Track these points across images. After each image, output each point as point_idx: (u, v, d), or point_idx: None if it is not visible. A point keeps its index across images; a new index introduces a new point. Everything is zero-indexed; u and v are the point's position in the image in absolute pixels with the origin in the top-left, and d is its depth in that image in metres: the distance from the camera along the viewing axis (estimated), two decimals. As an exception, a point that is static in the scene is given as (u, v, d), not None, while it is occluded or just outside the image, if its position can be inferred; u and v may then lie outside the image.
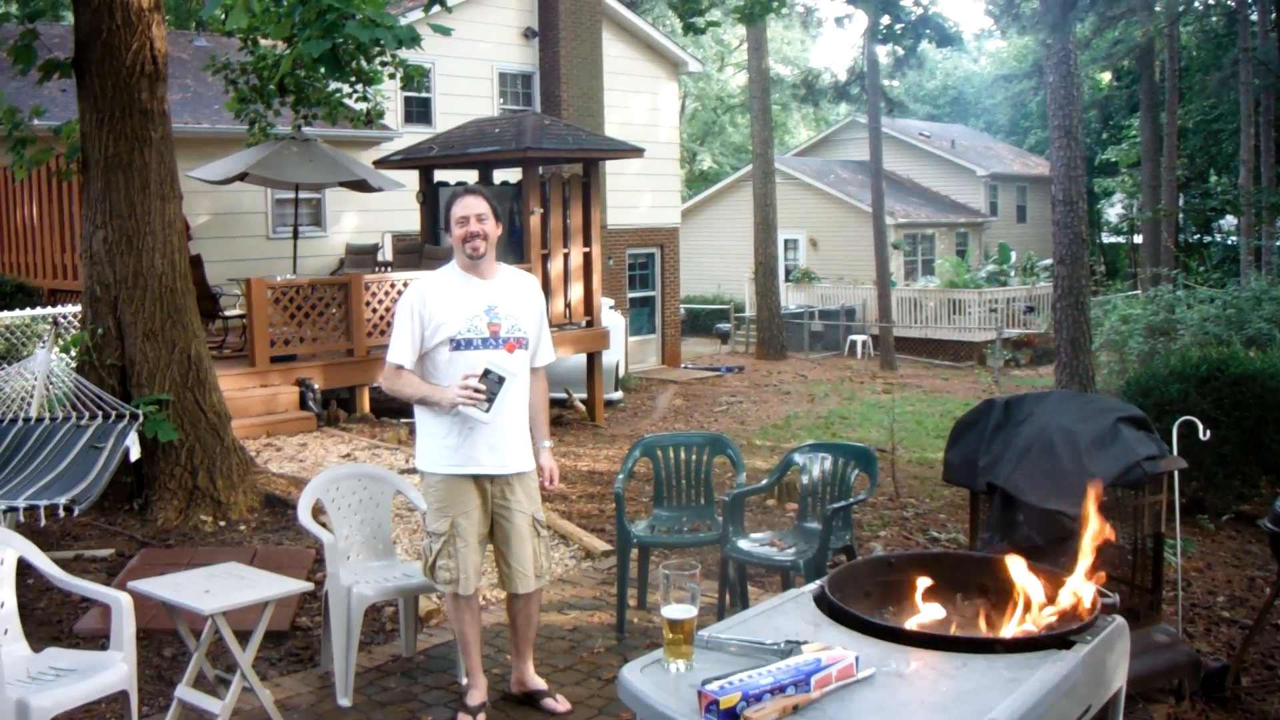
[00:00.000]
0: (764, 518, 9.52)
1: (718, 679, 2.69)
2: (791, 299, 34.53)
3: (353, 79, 11.84)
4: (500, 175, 18.52)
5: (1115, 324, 17.13)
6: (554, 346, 5.71)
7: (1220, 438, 8.90)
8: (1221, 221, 39.39)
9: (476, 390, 4.99)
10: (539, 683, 5.54)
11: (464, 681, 5.78)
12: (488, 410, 5.03)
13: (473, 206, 5.24)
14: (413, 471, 10.62)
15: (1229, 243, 37.94)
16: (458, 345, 5.18)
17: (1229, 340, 13.83)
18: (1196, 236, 39.91)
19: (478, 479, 5.24)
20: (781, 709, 2.62)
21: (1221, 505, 9.60)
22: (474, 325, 5.19)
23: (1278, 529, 5.45)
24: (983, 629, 3.39)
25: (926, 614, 3.46)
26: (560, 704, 5.42)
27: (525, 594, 5.40)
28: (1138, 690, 5.17)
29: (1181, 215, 34.80)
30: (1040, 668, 2.86)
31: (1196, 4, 32.65)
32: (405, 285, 14.65)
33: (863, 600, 3.39)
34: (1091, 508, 3.60)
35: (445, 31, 8.55)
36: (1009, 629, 3.30)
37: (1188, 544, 8.42)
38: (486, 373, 5.01)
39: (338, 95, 12.22)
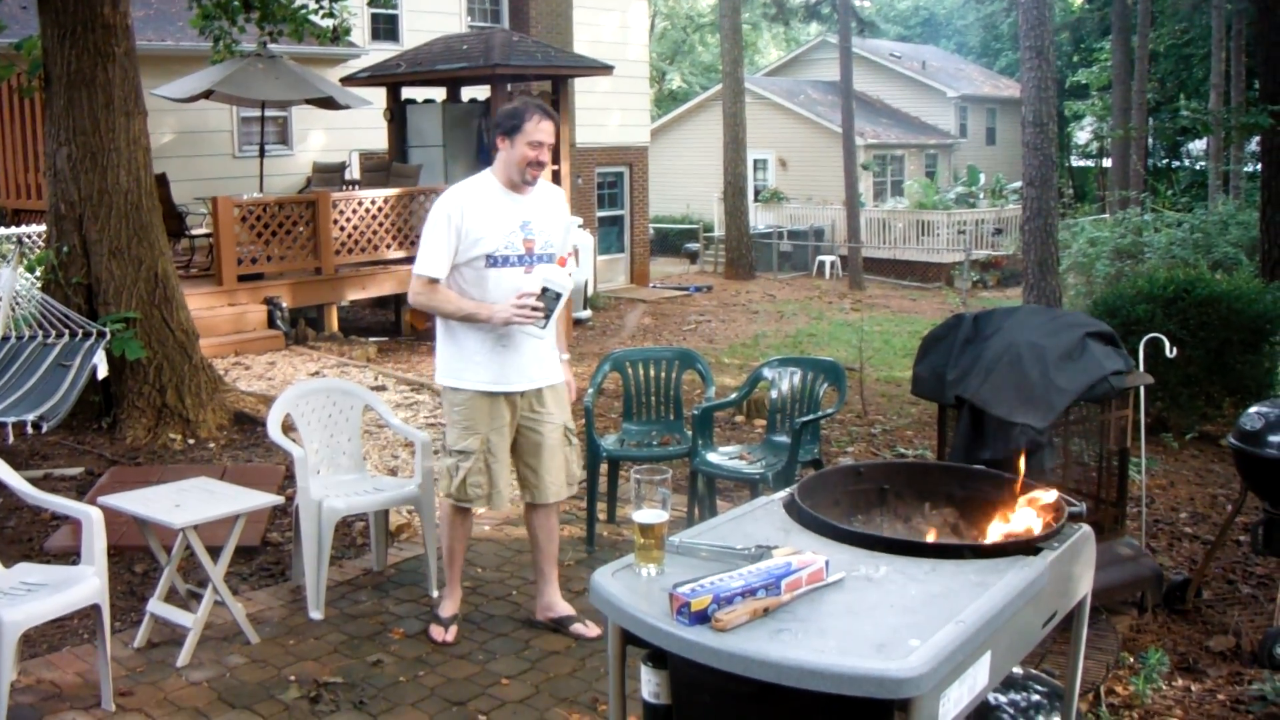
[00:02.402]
0: (733, 433, 9.57)
1: (689, 582, 2.70)
2: (760, 219, 34.45)
3: (318, -7, 11.72)
4: (468, 92, 18.38)
5: (1083, 246, 17.20)
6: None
7: (1185, 358, 8.97)
8: (1190, 146, 39.45)
9: (534, 308, 4.85)
10: (566, 608, 5.47)
11: (435, 594, 5.81)
12: (544, 327, 4.92)
13: (548, 133, 4.98)
14: (381, 389, 10.63)
15: (1197, 167, 38.04)
16: (494, 262, 4.99)
17: (1196, 263, 13.91)
18: (1165, 161, 39.99)
19: (508, 396, 5.13)
20: (752, 611, 2.64)
21: (1185, 425, 9.70)
22: (510, 241, 5.00)
23: (1242, 444, 5.51)
24: (952, 536, 3.42)
25: (895, 520, 3.49)
26: (590, 629, 5.34)
27: (547, 506, 5.34)
28: (1101, 602, 5.24)
29: (1151, 139, 34.80)
30: (1008, 572, 2.89)
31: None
32: (373, 203, 14.59)
33: (832, 508, 3.41)
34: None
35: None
36: (977, 535, 3.33)
37: (1152, 462, 8.50)
38: (544, 290, 4.86)
39: (303, 11, 12.07)
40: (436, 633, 5.28)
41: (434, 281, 5.03)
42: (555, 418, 5.25)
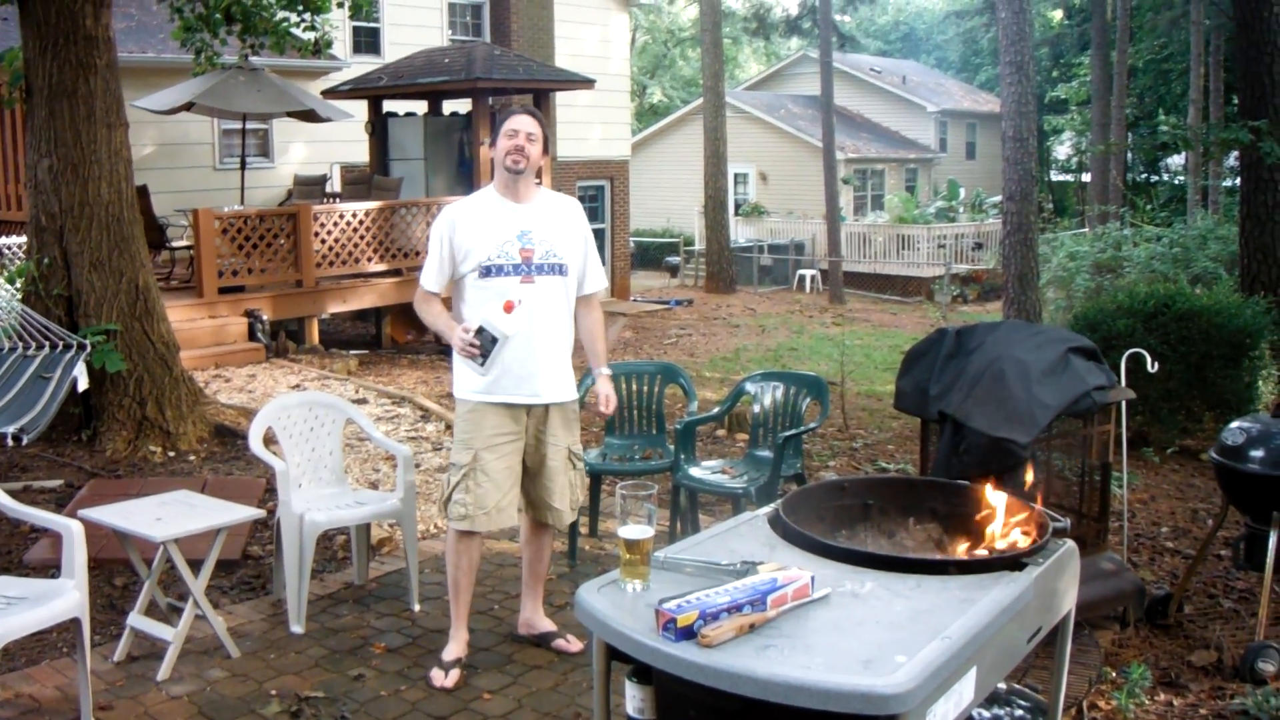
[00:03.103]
0: (715, 447, 9.56)
1: (675, 598, 2.70)
2: (741, 233, 34.51)
3: (300, 7, 11.69)
4: (450, 106, 18.40)
5: (1062, 261, 17.23)
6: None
7: (1166, 373, 9.00)
8: (1169, 161, 39.63)
9: (471, 344, 4.78)
10: (548, 624, 5.43)
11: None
12: (483, 365, 4.82)
13: (524, 124, 4.97)
14: (363, 402, 10.63)
15: (1176, 182, 38.21)
16: (487, 271, 4.95)
17: (1175, 278, 13.95)
18: (1144, 175, 40.18)
19: (512, 410, 5.03)
20: (738, 627, 2.64)
21: (1165, 439, 9.72)
22: (505, 250, 4.95)
23: (1224, 459, 5.52)
24: (936, 551, 3.42)
25: (879, 536, 3.49)
26: (572, 644, 5.31)
27: (544, 527, 5.30)
28: (1084, 616, 5.24)
29: (1130, 153, 34.93)
30: (993, 588, 2.89)
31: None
32: (355, 216, 14.58)
33: (816, 523, 3.41)
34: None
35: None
36: (962, 551, 3.34)
37: (1133, 476, 8.52)
38: (480, 330, 4.79)
39: (285, 24, 12.06)
40: (436, 677, 5.04)
41: (429, 294, 5.09)
42: (559, 440, 5.15)
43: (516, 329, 4.86)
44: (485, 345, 4.78)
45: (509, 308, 4.91)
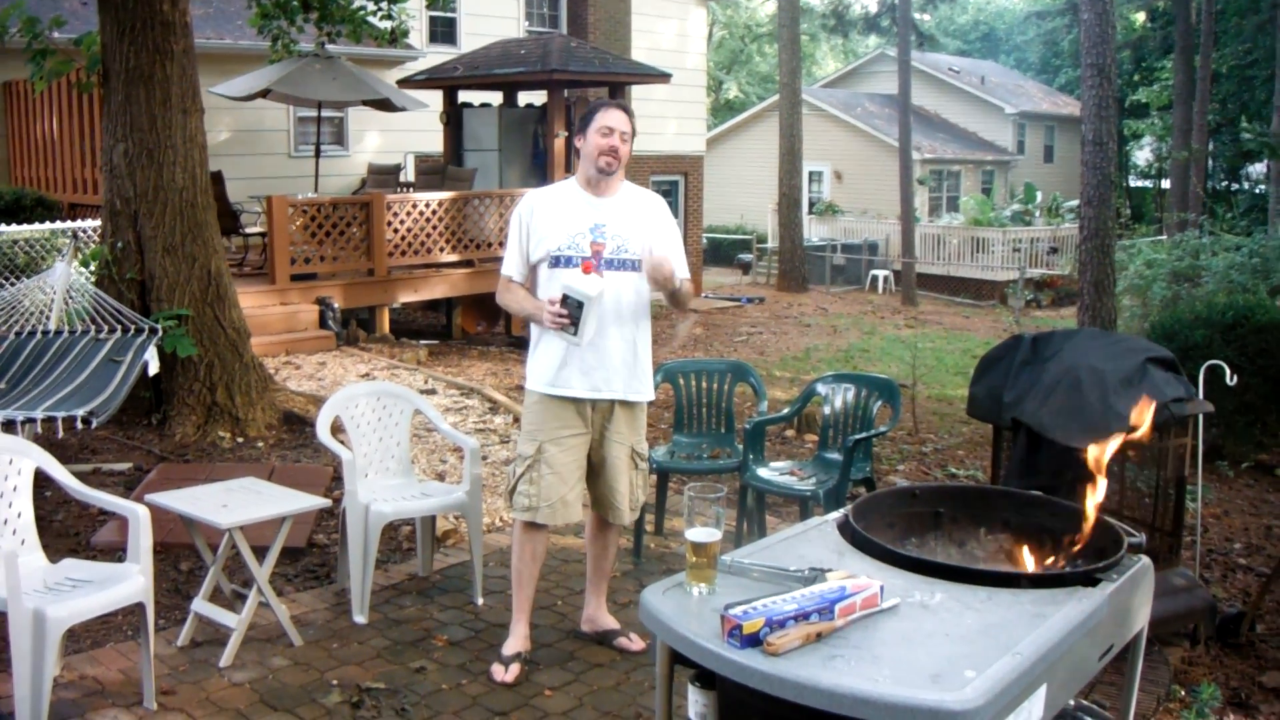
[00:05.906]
0: (783, 448, 9.50)
1: (741, 604, 2.66)
2: (814, 231, 34.31)
3: (377, -5, 11.78)
4: (525, 97, 18.41)
5: (1139, 268, 17.00)
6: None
7: (1243, 385, 8.81)
8: (1251, 169, 39.02)
9: (559, 315, 4.74)
10: (611, 622, 5.40)
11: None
12: (575, 334, 4.76)
13: (619, 120, 4.93)
14: (431, 393, 10.65)
15: (1257, 191, 37.59)
16: (556, 262, 4.91)
17: (1254, 289, 13.72)
18: (1225, 183, 39.55)
19: (578, 404, 4.99)
20: (805, 636, 2.60)
21: (1240, 453, 9.55)
22: (576, 242, 4.90)
23: (1302, 475, 5.40)
24: (1008, 563, 3.36)
25: (949, 545, 3.43)
26: (634, 642, 5.27)
27: (607, 525, 5.26)
28: (1153, 633, 5.14)
29: (1211, 160, 34.39)
30: (1066, 604, 2.83)
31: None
32: (428, 206, 14.64)
33: (886, 531, 3.36)
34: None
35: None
36: (1034, 564, 3.27)
37: (1206, 490, 8.38)
38: (565, 297, 4.74)
39: (362, 12, 12.12)
40: (496, 672, 5.02)
41: (510, 280, 5.07)
42: (624, 438, 5.09)
43: (600, 288, 4.77)
44: (573, 312, 4.73)
45: (587, 268, 4.88)
